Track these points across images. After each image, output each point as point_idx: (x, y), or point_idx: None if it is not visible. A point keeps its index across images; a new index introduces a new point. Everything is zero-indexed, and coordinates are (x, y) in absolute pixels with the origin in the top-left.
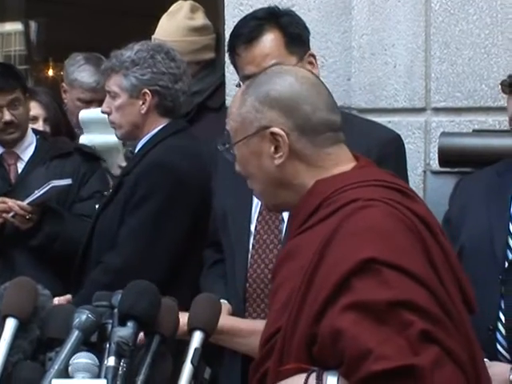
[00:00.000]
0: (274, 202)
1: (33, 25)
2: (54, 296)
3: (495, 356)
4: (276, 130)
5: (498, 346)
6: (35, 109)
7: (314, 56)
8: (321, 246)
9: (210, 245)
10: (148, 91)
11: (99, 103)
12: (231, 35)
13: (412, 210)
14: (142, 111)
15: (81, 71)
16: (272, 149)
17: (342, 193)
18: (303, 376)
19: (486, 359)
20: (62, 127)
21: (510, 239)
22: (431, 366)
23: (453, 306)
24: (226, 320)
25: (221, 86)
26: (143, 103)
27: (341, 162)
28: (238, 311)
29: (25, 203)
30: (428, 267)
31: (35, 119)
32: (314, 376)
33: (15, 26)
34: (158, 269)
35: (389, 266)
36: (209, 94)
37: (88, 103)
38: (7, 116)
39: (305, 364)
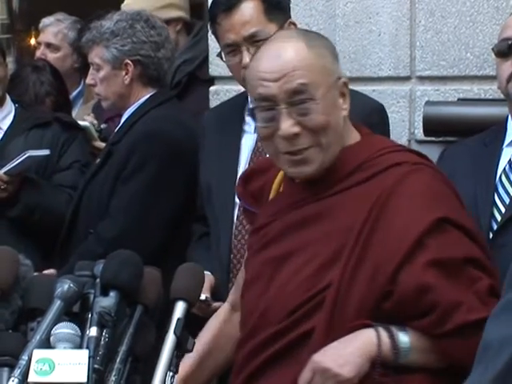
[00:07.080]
0: (328, 162)
1: None
2: (35, 266)
3: None
4: (346, 80)
5: None
6: None
7: (294, 24)
8: (375, 208)
9: (199, 218)
10: (130, 62)
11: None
12: (211, 4)
13: None
14: (126, 82)
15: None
16: (341, 100)
17: (378, 157)
18: (371, 330)
19: None
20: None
21: (494, 210)
22: None
23: None
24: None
25: None
26: (126, 74)
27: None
28: (223, 282)
29: (0, 172)
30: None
31: None
32: (383, 330)
33: None
34: (152, 238)
35: (455, 226)
36: (199, 62)
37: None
38: None
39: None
